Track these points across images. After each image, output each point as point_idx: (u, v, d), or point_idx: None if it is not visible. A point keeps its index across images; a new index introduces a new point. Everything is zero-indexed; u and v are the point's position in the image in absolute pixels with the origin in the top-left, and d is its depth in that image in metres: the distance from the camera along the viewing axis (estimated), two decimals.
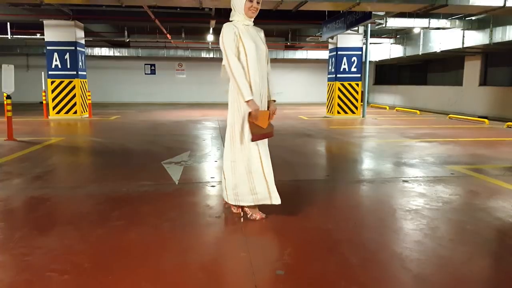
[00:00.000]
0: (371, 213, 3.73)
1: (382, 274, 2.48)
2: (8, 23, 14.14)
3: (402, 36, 16.18)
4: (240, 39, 3.08)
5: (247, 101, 3.03)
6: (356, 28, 12.70)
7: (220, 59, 3.26)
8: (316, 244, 2.91)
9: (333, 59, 13.87)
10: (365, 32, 13.04)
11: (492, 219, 3.47)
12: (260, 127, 3.13)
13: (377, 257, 2.70)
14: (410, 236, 3.07)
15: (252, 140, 3.12)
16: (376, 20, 11.30)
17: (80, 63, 13.03)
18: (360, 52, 13.64)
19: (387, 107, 18.37)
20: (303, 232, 3.16)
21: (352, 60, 13.61)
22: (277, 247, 2.84)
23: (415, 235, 3.08)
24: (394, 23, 11.85)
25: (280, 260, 2.63)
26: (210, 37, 16.84)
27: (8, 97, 7.86)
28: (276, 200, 3.26)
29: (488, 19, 11.40)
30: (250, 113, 3.09)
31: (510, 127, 10.48)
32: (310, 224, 3.34)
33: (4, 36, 14.39)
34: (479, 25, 11.84)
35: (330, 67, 14.28)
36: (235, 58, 3.03)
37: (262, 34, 3.29)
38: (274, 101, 3.33)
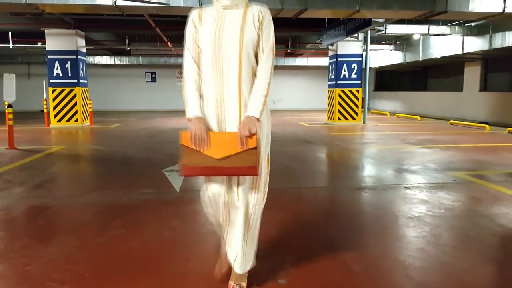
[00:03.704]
0: (373, 220, 3.71)
1: (385, 282, 2.47)
2: (10, 32, 14.20)
3: (402, 42, 16.23)
4: (196, 30, 2.22)
5: (188, 120, 2.18)
6: (356, 35, 12.73)
7: None
8: (319, 252, 2.89)
9: (333, 65, 13.90)
10: (365, 38, 13.09)
11: (495, 225, 3.45)
12: (204, 157, 2.11)
13: (380, 265, 2.68)
14: (412, 244, 3.06)
15: (182, 174, 2.19)
16: (376, 27, 11.34)
17: (81, 72, 13.07)
18: (360, 59, 13.68)
19: (388, 113, 18.37)
20: (305, 240, 3.14)
21: (352, 66, 13.64)
22: (279, 255, 2.82)
23: (418, 243, 3.06)
24: (394, 29, 11.89)
25: (282, 268, 2.62)
26: None
27: (10, 105, 7.88)
28: (238, 268, 2.31)
29: (487, 25, 11.44)
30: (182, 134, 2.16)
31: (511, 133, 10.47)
32: (312, 232, 3.32)
33: (6, 45, 14.46)
34: (478, 31, 11.88)
35: (330, 74, 14.31)
36: (188, 58, 2.24)
37: (256, 16, 2.18)
38: (257, 119, 2.14)
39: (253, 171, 2.09)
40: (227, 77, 2.17)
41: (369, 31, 12.39)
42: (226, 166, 2.09)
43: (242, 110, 2.19)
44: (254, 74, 2.22)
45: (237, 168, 2.09)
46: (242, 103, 2.19)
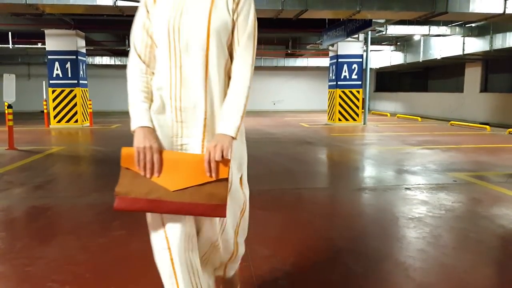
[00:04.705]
0: (374, 221, 3.71)
1: (386, 283, 2.46)
2: (10, 33, 14.22)
3: (403, 43, 16.23)
4: (148, 14, 1.64)
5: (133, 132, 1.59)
6: (357, 36, 12.74)
7: None
8: (319, 254, 2.89)
9: (334, 66, 13.91)
10: (366, 39, 13.09)
11: (495, 226, 3.44)
12: (152, 185, 1.53)
13: (380, 266, 2.68)
14: (413, 245, 3.05)
15: (116, 207, 1.58)
16: (376, 28, 11.35)
17: (81, 72, 13.07)
18: (360, 60, 13.68)
19: (388, 114, 18.37)
20: (306, 241, 3.13)
21: (353, 67, 13.65)
22: (279, 256, 2.82)
23: (418, 244, 3.06)
24: (394, 30, 11.90)
25: (282, 269, 2.61)
26: None
27: (9, 106, 7.88)
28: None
29: (488, 26, 11.44)
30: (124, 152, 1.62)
31: None
32: (312, 233, 3.32)
33: (6, 45, 14.47)
34: (479, 32, 11.88)
35: (330, 75, 14.31)
36: (132, 57, 1.66)
37: None
38: (233, 138, 1.57)
39: (220, 210, 1.51)
40: (189, 76, 1.59)
41: (369, 32, 12.40)
42: (183, 201, 1.49)
43: (208, 123, 1.62)
44: (228, 76, 1.67)
45: (198, 205, 1.50)
46: (209, 113, 1.62)
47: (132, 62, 1.65)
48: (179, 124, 1.62)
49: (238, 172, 1.74)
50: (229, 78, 1.66)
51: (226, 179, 1.51)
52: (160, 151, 1.54)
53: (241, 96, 1.61)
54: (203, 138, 1.62)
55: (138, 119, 1.58)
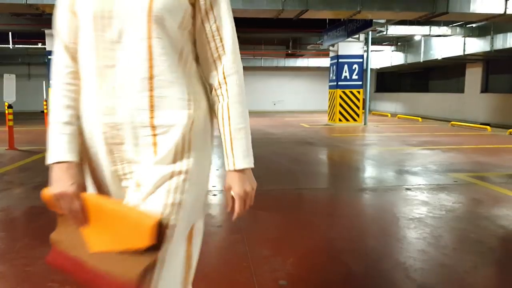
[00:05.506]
0: (374, 221, 3.70)
1: (386, 283, 2.45)
2: (10, 33, 14.24)
3: (403, 43, 16.23)
4: None
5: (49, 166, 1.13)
6: (357, 36, 12.74)
7: None
8: (319, 254, 2.88)
9: (334, 66, 13.91)
10: (366, 39, 13.09)
11: (496, 227, 3.44)
12: (79, 239, 1.11)
13: (380, 267, 2.67)
14: (413, 245, 3.04)
15: (47, 260, 1.16)
16: (377, 28, 11.36)
17: None
18: (361, 60, 13.68)
19: (389, 115, 18.37)
20: (306, 241, 3.13)
21: (353, 67, 13.65)
22: (279, 256, 2.81)
23: (419, 244, 3.05)
24: (395, 30, 11.90)
25: (282, 270, 2.61)
26: None
27: (10, 106, 7.88)
28: None
29: (489, 26, 11.44)
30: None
31: None
32: (312, 233, 3.31)
33: (6, 45, 14.49)
34: (480, 32, 11.88)
35: (331, 75, 14.32)
36: (59, 48, 1.17)
37: None
38: (243, 173, 1.15)
39: None
40: (125, 78, 1.09)
41: (370, 32, 12.40)
42: (95, 268, 1.07)
43: (161, 142, 1.11)
44: (191, 73, 1.17)
45: (104, 277, 1.05)
46: (161, 128, 1.11)
47: (59, 61, 1.17)
48: (117, 147, 1.14)
49: (190, 217, 1.16)
50: (195, 76, 1.18)
51: (157, 248, 1.03)
52: (82, 195, 1.10)
53: (240, 114, 1.17)
54: (154, 162, 1.10)
55: (54, 151, 1.12)
